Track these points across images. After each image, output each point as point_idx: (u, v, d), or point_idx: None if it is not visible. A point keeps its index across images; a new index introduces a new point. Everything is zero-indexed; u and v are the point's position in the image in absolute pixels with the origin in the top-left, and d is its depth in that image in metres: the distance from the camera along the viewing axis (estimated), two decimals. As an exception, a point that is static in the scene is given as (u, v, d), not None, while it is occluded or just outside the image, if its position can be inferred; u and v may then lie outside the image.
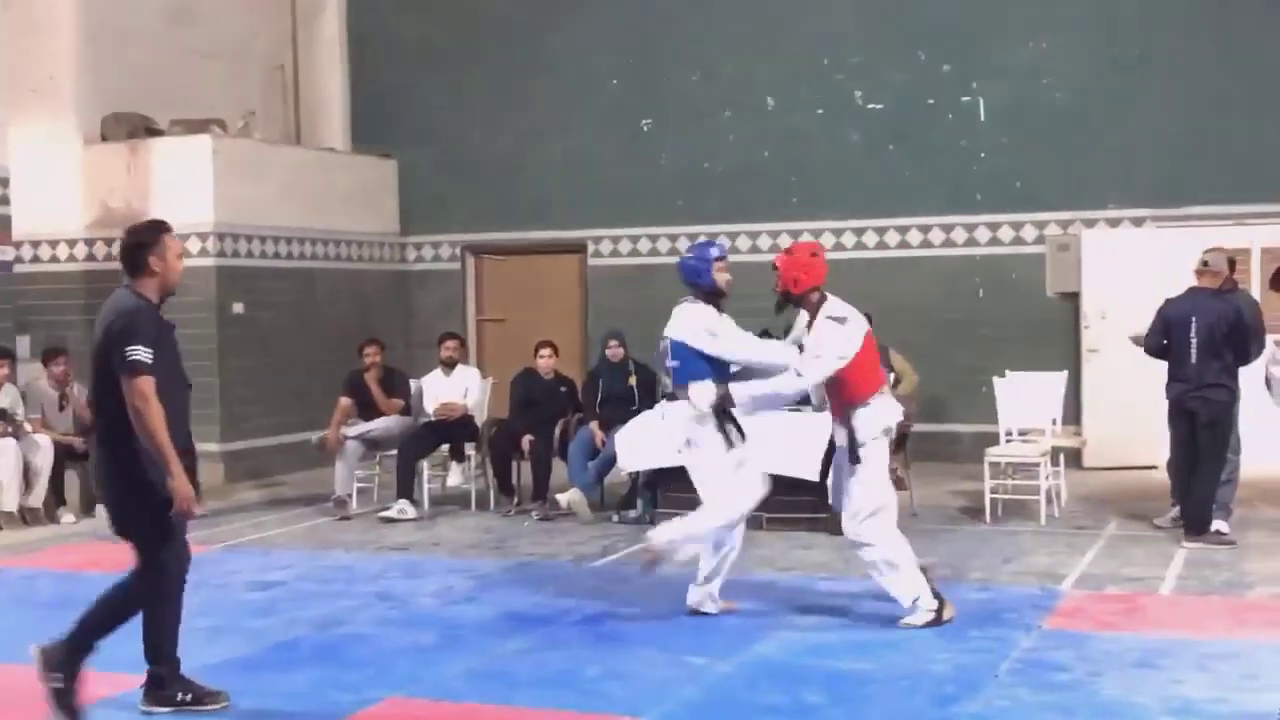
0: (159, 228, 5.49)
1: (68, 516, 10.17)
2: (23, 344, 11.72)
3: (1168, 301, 8.80)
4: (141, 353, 5.11)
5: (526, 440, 10.23)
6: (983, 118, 12.65)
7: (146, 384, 5.10)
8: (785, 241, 13.18)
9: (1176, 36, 12.08)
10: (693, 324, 6.78)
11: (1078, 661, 5.93)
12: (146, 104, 12.89)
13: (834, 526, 8.95)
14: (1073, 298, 12.23)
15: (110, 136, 12.80)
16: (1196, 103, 11.95)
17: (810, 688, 5.63)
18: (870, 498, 6.62)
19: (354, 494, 10.40)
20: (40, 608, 7.17)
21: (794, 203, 13.22)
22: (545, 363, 10.66)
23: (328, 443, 10.50)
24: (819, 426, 9.12)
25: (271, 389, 12.79)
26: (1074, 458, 11.21)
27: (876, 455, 6.66)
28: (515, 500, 10.40)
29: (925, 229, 12.85)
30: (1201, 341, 8.58)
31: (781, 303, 6.87)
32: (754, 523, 9.17)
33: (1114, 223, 12.23)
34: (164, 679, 5.36)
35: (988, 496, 9.56)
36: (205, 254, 12.43)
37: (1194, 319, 8.60)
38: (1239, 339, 8.68)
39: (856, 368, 6.65)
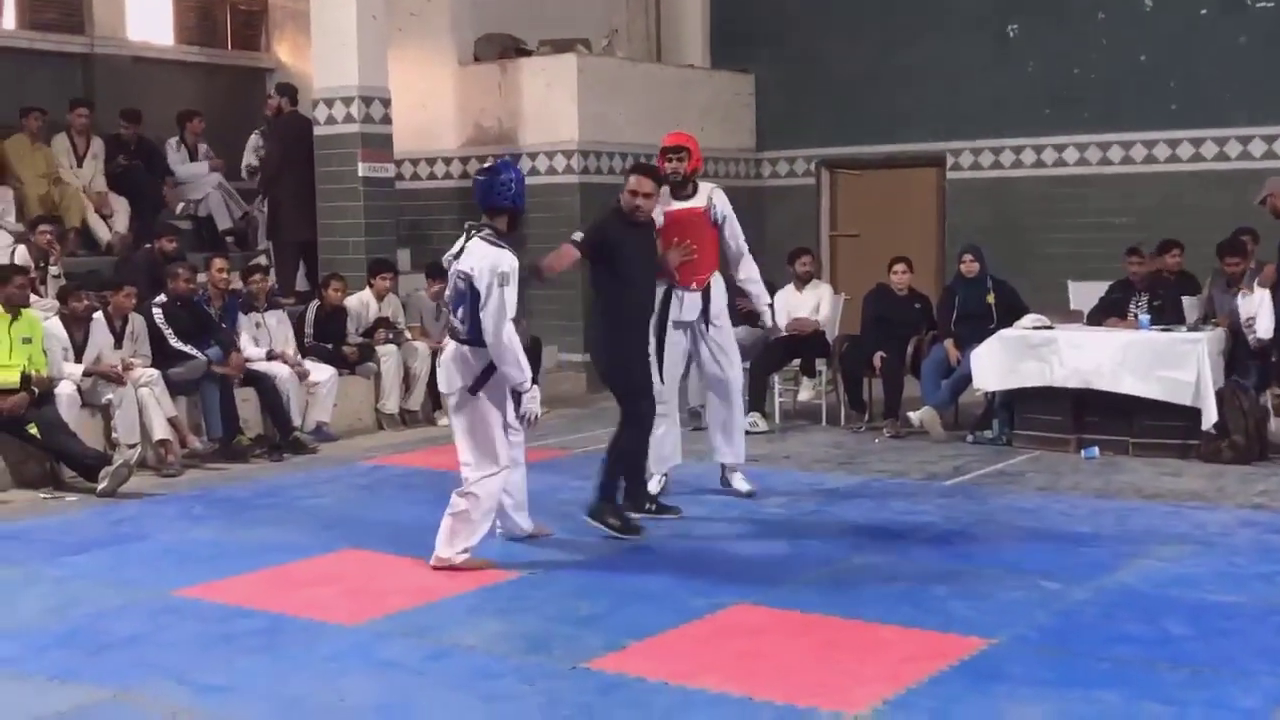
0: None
1: (444, 420, 10.79)
2: (403, 257, 12.44)
3: None
4: None
5: (878, 357, 10.12)
6: (1393, 12, 11.49)
7: None
8: (1162, 152, 12.45)
9: None
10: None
11: None
12: (516, 25, 13.35)
13: (1207, 453, 8.53)
14: None
15: (482, 57, 13.33)
16: None
17: (1173, 619, 5.36)
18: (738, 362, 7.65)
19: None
20: (418, 503, 7.64)
21: (1173, 110, 12.39)
22: (900, 278, 10.47)
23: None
24: (1189, 348, 8.64)
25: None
26: None
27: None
28: (866, 417, 10.32)
29: (1321, 136, 11.81)
30: None
31: (683, 181, 7.44)
32: (1120, 448, 8.84)
33: None
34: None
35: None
36: (570, 171, 12.81)
37: None
38: None
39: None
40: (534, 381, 6.18)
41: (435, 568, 6.17)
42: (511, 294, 6.01)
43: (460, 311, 6.14)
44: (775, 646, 5.13)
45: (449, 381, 6.23)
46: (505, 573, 6.15)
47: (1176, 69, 12.35)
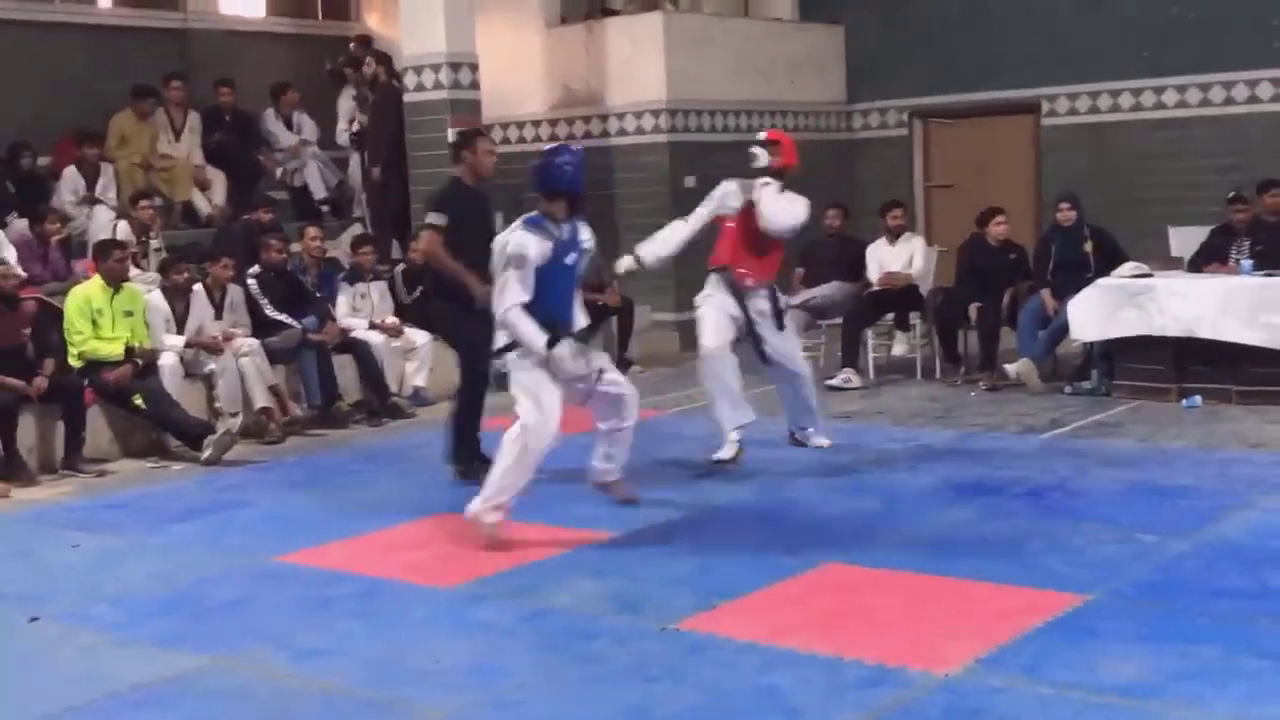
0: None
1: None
2: (495, 221, 12.48)
3: None
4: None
5: (974, 308, 9.99)
6: None
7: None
8: (1266, 92, 12.09)
9: None
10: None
11: None
12: (602, -16, 13.31)
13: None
14: None
15: (569, 18, 13.32)
16: None
17: (1275, 571, 5.25)
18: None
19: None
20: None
21: (1276, 47, 12.01)
22: (999, 229, 10.28)
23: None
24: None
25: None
26: None
27: None
28: (961, 370, 10.21)
29: None
30: None
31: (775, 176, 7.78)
32: (1223, 396, 8.66)
33: None
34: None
35: None
36: (658, 130, 12.75)
37: None
38: None
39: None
40: (582, 339, 6.27)
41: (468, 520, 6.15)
42: (518, 274, 6.03)
43: None
44: (866, 605, 5.12)
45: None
46: (597, 534, 6.20)
47: (1278, 4, 11.95)
